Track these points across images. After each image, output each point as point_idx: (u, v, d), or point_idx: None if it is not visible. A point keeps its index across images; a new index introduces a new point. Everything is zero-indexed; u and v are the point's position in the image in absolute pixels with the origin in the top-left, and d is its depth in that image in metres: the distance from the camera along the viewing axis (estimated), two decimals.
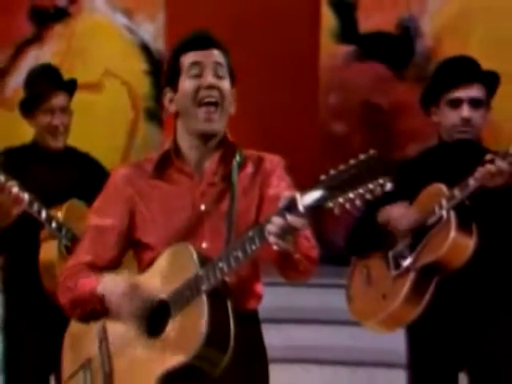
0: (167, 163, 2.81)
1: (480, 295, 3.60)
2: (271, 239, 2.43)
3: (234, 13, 6.70)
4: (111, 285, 2.72)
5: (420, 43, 6.58)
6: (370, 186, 2.30)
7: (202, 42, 2.80)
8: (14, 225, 3.67)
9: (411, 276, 3.55)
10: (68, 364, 2.90)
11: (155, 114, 6.91)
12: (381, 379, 5.36)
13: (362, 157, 2.33)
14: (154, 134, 6.90)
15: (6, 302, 4.21)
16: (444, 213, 3.50)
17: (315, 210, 2.40)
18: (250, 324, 2.78)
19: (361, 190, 2.30)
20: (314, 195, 2.36)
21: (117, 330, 2.74)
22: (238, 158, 2.81)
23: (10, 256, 4.13)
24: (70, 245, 3.86)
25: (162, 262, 2.70)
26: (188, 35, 2.85)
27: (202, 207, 2.77)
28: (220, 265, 2.56)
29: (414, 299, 3.55)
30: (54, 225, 3.85)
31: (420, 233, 3.57)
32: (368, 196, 2.31)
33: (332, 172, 2.36)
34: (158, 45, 6.90)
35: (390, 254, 3.66)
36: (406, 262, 3.60)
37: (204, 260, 2.62)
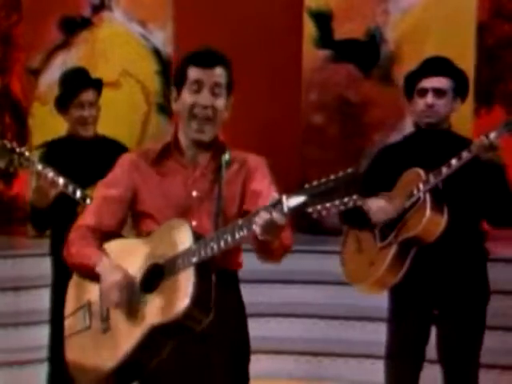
0: (167, 154, 2.85)
1: (449, 262, 3.68)
2: (257, 230, 2.47)
3: (233, 23, 6.91)
4: (108, 273, 2.70)
5: (384, 48, 6.74)
6: (345, 199, 2.38)
7: (207, 59, 2.79)
8: (56, 203, 3.81)
9: (393, 248, 3.65)
10: (70, 301, 2.91)
11: (165, 108, 7.00)
12: (349, 330, 5.50)
13: (341, 173, 2.39)
14: (164, 125, 6.99)
15: (53, 264, 4.24)
16: (421, 195, 3.57)
17: (296, 211, 2.43)
18: (231, 283, 2.86)
19: (336, 202, 2.39)
20: (297, 200, 2.40)
21: None
22: (226, 156, 2.82)
23: (55, 227, 4.14)
24: None
25: (161, 232, 2.73)
26: (198, 49, 2.85)
27: (194, 193, 2.81)
28: (211, 244, 2.59)
29: (395, 267, 3.65)
30: (87, 202, 3.80)
31: (400, 212, 3.64)
32: (341, 207, 2.44)
33: (315, 183, 2.40)
34: (168, 49, 7.00)
35: (377, 228, 3.73)
36: (389, 237, 3.67)
37: (197, 236, 2.65)
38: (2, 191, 7.46)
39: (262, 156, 2.93)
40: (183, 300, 2.56)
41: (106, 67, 6.74)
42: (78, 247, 2.80)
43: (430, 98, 3.64)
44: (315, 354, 5.54)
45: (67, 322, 2.90)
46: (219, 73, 2.79)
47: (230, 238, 2.57)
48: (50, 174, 3.75)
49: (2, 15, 7.39)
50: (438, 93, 3.66)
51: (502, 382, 5.09)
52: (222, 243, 2.58)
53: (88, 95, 4.12)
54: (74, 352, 2.86)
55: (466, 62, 6.25)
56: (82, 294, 2.87)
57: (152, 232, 2.77)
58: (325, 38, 6.89)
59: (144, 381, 2.78)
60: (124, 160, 2.91)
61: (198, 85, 2.78)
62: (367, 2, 6.80)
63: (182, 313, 2.57)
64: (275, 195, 2.50)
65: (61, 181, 3.77)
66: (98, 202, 2.88)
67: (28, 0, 7.09)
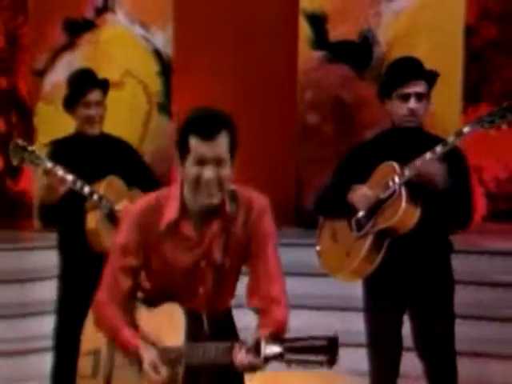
0: (175, 224, 2.76)
1: (417, 253, 3.70)
2: (237, 367, 2.58)
3: (232, 24, 6.97)
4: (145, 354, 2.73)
5: (376, 49, 6.80)
6: (318, 360, 2.45)
7: (208, 127, 2.63)
8: (64, 199, 3.93)
9: (369, 238, 3.65)
10: (88, 337, 2.95)
11: (165, 108, 7.10)
12: (346, 320, 5.33)
13: (319, 336, 2.46)
14: (164, 124, 7.05)
15: (61, 257, 4.29)
16: (396, 187, 3.58)
17: (271, 359, 2.51)
18: (225, 317, 2.90)
19: (309, 363, 2.45)
20: (274, 350, 2.50)
21: None
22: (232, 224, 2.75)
23: (63, 222, 4.18)
24: (109, 213, 4.01)
25: (160, 315, 2.79)
26: (197, 113, 2.68)
27: (203, 264, 2.78)
28: (197, 355, 2.66)
29: (371, 257, 3.65)
30: (95, 197, 3.95)
31: (376, 203, 3.65)
32: (310, 366, 2.48)
33: (294, 338, 2.49)
34: (168, 50, 7.06)
35: (353, 219, 3.72)
36: (366, 227, 3.67)
37: (191, 330, 2.72)
38: (8, 187, 7.55)
39: (261, 189, 2.88)
40: None
41: (109, 68, 6.72)
42: (117, 324, 2.80)
43: (412, 103, 3.66)
44: None
45: (80, 360, 2.95)
46: (222, 143, 2.64)
47: (213, 360, 2.64)
48: (60, 171, 3.88)
49: (9, 17, 7.47)
50: (419, 97, 3.68)
51: (491, 370, 5.13)
52: (206, 361, 2.65)
53: (95, 95, 4.18)
54: None
55: (455, 62, 6.56)
56: (96, 335, 2.89)
57: (153, 308, 2.82)
58: (320, 39, 6.96)
59: None
60: (132, 219, 2.81)
61: (202, 159, 2.64)
62: (360, 5, 6.88)
63: None
64: (254, 337, 2.57)
65: (69, 178, 3.90)
66: (117, 272, 2.81)
67: (33, 2, 7.18)
